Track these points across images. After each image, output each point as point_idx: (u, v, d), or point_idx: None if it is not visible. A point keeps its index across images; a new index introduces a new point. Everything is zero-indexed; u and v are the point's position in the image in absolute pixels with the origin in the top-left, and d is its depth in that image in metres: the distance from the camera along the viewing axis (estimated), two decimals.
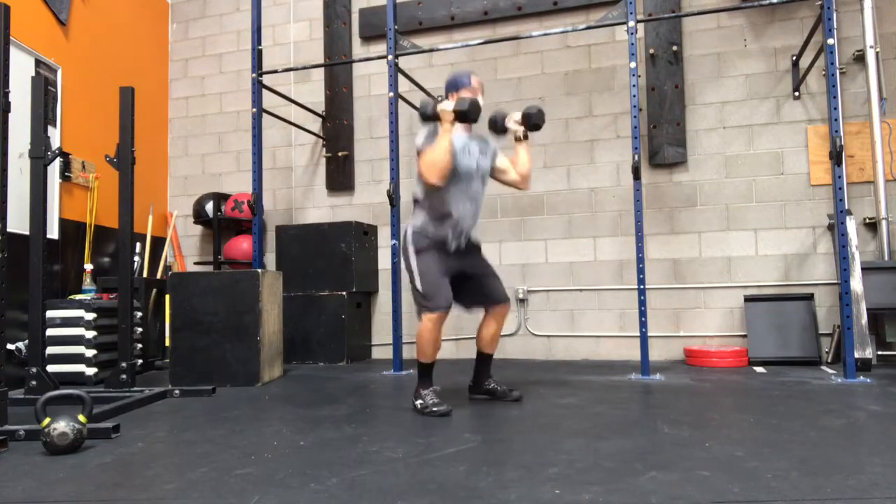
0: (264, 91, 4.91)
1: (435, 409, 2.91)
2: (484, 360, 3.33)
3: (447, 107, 2.95)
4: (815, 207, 4.69)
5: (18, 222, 3.91)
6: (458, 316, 5.33)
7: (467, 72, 3.18)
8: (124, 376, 3.67)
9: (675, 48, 4.96)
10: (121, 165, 3.76)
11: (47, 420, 2.36)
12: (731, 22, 4.94)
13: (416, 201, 3.14)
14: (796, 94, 4.76)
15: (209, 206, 5.65)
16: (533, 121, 3.18)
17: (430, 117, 3.01)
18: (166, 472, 2.09)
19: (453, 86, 3.15)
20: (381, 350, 5.45)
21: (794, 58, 4.74)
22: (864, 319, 4.00)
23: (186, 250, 6.08)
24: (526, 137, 3.25)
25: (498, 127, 3.26)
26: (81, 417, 2.43)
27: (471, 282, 3.17)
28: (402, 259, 3.18)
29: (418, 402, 2.99)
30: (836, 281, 4.42)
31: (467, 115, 2.93)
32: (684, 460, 2.07)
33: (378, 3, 5.53)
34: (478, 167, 3.13)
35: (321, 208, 5.78)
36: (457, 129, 3.04)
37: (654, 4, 5.00)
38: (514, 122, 3.24)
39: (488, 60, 5.41)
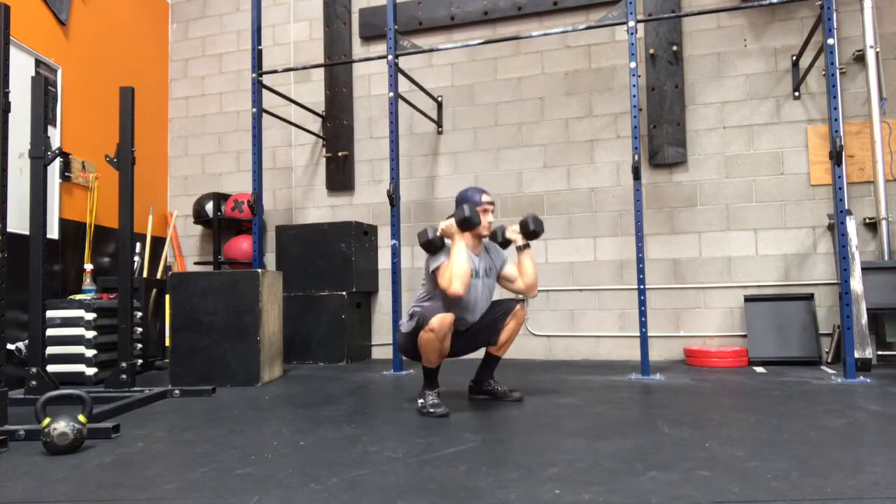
0: (264, 91, 4.91)
1: (432, 409, 2.92)
2: (490, 362, 3.35)
3: (450, 222, 3.04)
4: (815, 207, 4.69)
5: (18, 222, 3.91)
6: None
7: (480, 189, 3.19)
8: (124, 376, 3.67)
9: (675, 48, 4.96)
10: (121, 165, 3.76)
11: (47, 420, 2.36)
12: (731, 22, 4.94)
13: (420, 298, 3.19)
14: (796, 94, 4.76)
15: (209, 206, 5.65)
16: (530, 229, 3.22)
17: (432, 242, 3.02)
18: (166, 472, 2.09)
19: (464, 201, 3.16)
20: (381, 350, 5.45)
21: (794, 58, 4.74)
22: (864, 319, 4.00)
23: (186, 250, 6.08)
24: (527, 246, 3.28)
25: (498, 240, 3.30)
26: (81, 417, 2.43)
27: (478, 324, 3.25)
28: (400, 334, 3.20)
29: (419, 402, 3.00)
30: (836, 281, 4.42)
31: (469, 220, 2.98)
32: (684, 460, 2.07)
33: (378, 3, 5.54)
34: (480, 292, 3.19)
35: (321, 208, 5.78)
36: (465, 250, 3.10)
37: (654, 4, 5.00)
38: (513, 232, 3.29)
39: (488, 60, 5.41)
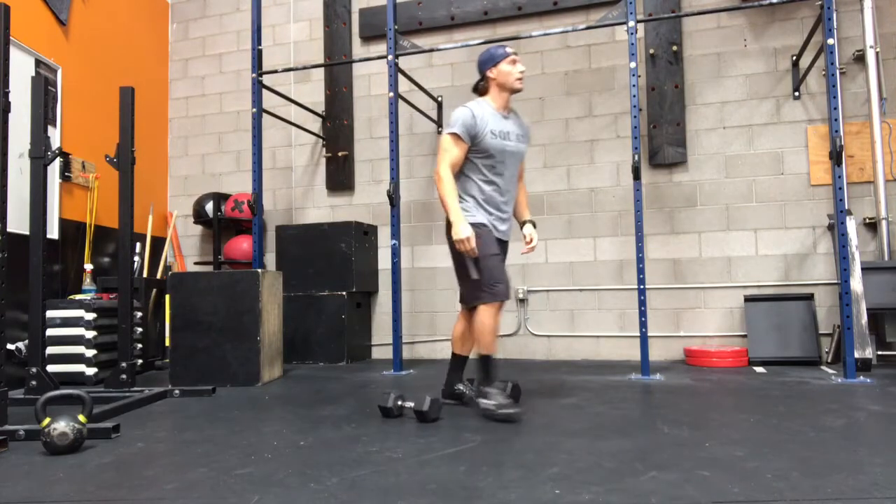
0: (264, 91, 4.91)
1: (511, 410, 2.69)
2: (455, 361, 3.13)
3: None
4: (815, 207, 4.69)
5: (18, 222, 3.91)
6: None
7: (502, 45, 3.03)
8: (124, 376, 3.68)
9: (675, 48, 4.96)
10: (121, 165, 3.76)
11: (47, 420, 2.36)
12: (731, 22, 4.94)
13: (455, 178, 2.96)
14: (796, 94, 4.76)
15: (209, 206, 5.65)
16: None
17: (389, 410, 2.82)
18: (166, 472, 2.09)
19: (490, 61, 3.00)
20: (381, 350, 5.45)
21: (794, 58, 4.74)
22: (864, 319, 4.00)
23: (186, 250, 6.08)
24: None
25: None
26: (81, 417, 2.42)
27: None
28: (448, 244, 2.96)
29: (490, 403, 2.71)
30: (836, 281, 4.42)
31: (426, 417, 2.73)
32: (684, 460, 2.07)
33: (378, 3, 5.54)
34: (510, 164, 3.01)
35: (321, 208, 5.78)
36: (489, 108, 2.97)
37: (654, 4, 5.00)
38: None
39: None
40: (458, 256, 2.90)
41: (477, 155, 2.94)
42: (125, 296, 3.75)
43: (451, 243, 2.90)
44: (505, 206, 3.02)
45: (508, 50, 3.00)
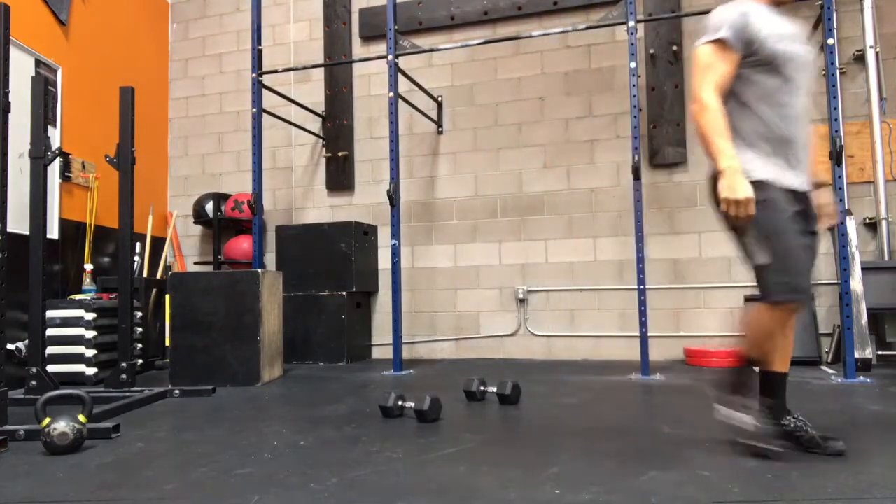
0: (264, 91, 4.91)
1: (766, 445, 2.02)
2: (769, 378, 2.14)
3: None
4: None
5: (18, 222, 3.91)
6: (458, 315, 5.35)
7: None
8: (124, 376, 3.68)
9: (675, 48, 4.96)
10: (121, 165, 3.76)
11: (47, 420, 2.36)
12: None
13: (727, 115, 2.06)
14: None
15: (209, 206, 5.65)
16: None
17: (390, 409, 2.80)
18: (166, 472, 2.09)
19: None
20: (381, 350, 5.45)
21: None
22: (864, 319, 4.00)
23: (186, 250, 6.08)
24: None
25: None
26: (81, 417, 2.43)
27: None
28: (716, 206, 2.10)
29: (746, 420, 2.06)
30: (836, 281, 4.42)
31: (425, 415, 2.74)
32: (684, 460, 2.07)
33: (378, 3, 5.53)
34: (807, 61, 2.11)
35: (321, 208, 5.78)
36: (760, 6, 2.10)
37: (654, 4, 5.00)
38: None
39: (488, 60, 5.40)
40: (738, 228, 2.06)
41: (755, 69, 2.05)
42: (125, 296, 3.75)
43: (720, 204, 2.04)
44: (801, 149, 2.09)
45: None
